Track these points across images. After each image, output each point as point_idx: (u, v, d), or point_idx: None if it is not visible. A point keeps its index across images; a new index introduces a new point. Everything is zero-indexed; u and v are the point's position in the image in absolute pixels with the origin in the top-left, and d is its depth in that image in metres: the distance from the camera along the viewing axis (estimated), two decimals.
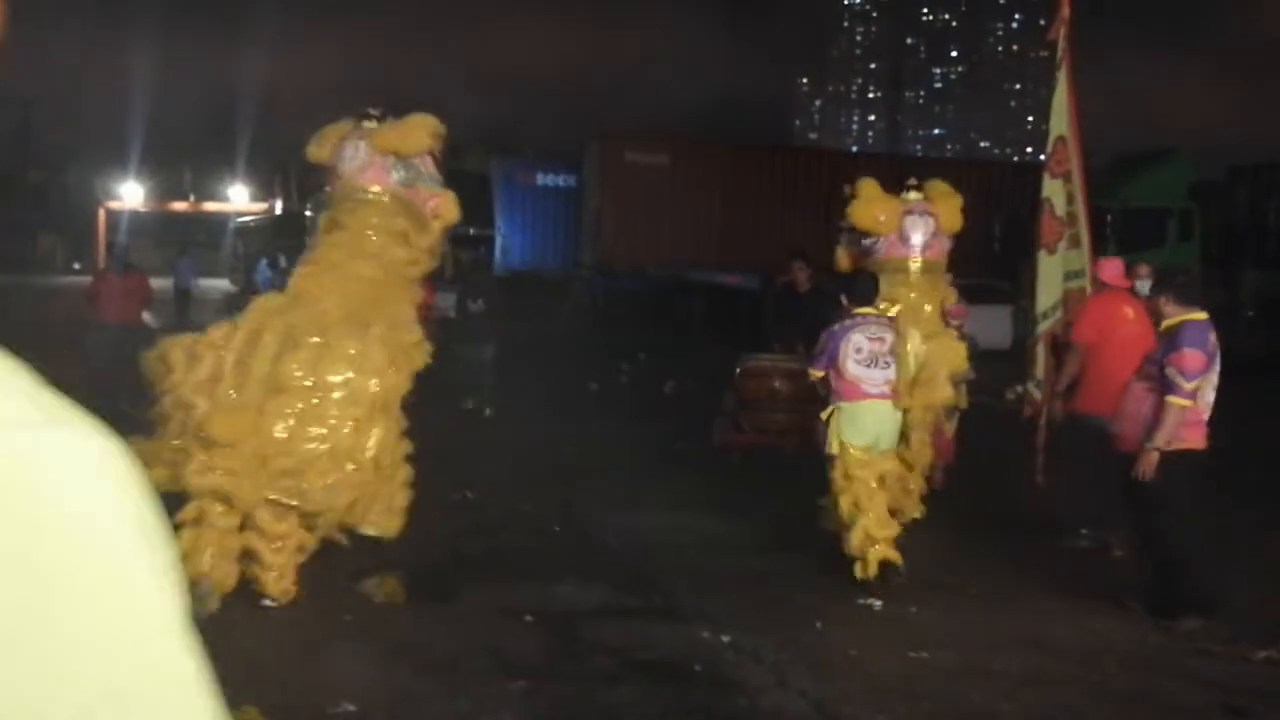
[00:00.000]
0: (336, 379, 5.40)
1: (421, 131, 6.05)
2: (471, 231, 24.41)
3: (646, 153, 22.68)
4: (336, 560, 5.82)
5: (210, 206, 52.97)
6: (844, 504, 6.19)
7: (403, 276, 6.01)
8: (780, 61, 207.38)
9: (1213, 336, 5.61)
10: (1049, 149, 9.01)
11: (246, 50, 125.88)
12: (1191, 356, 5.49)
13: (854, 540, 6.09)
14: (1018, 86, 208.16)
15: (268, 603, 5.31)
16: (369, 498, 5.54)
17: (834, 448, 6.32)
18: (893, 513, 6.36)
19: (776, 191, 23.14)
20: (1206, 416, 5.65)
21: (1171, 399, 5.51)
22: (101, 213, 44.59)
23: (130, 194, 47.02)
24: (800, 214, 23.21)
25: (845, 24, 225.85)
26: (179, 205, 51.83)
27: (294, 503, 5.30)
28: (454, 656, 5.03)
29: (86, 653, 0.58)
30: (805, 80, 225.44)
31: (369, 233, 5.85)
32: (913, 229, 7.25)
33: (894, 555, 6.04)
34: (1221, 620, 5.55)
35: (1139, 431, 5.63)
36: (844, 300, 6.60)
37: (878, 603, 5.72)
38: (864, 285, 6.77)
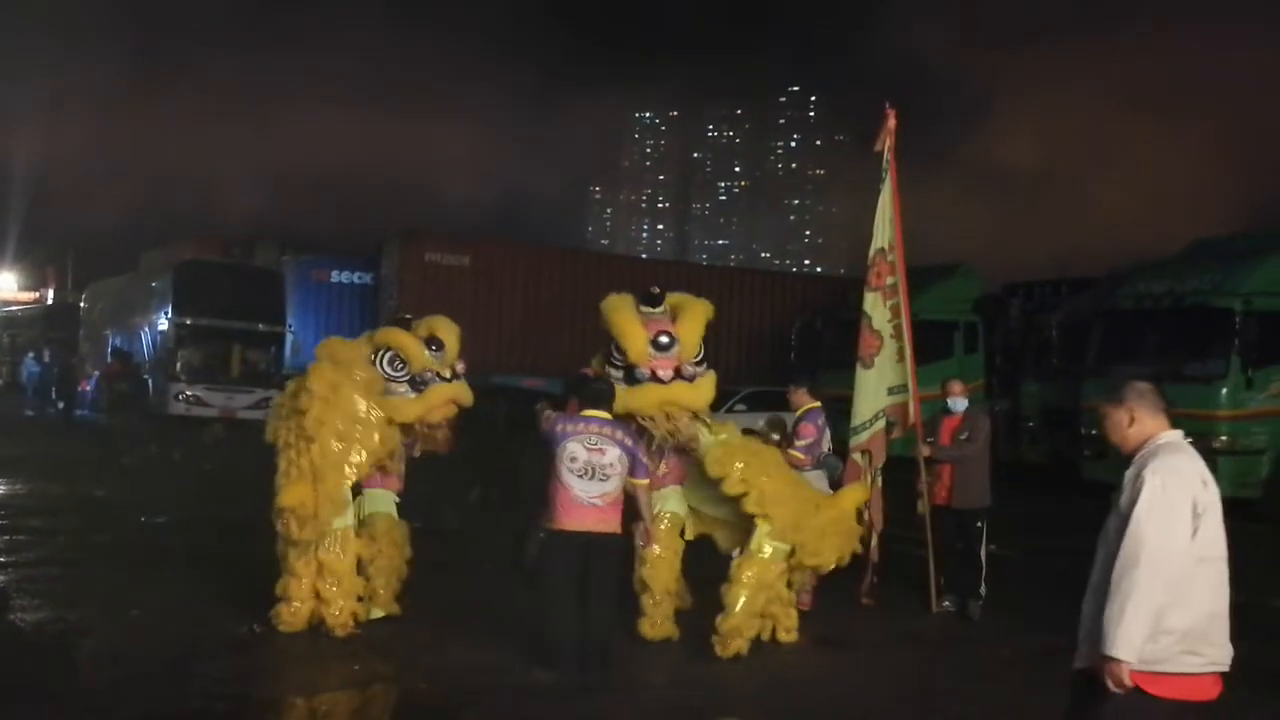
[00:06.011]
0: None
1: None
2: (260, 328, 23.09)
3: (447, 253, 22.12)
4: None
5: None
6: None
7: None
8: (574, 170, 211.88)
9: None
10: (869, 260, 8.91)
11: (20, 134, 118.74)
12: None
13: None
14: (796, 201, 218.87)
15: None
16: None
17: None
18: None
19: (578, 294, 22.90)
20: (599, 503, 6.21)
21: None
22: None
23: None
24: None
25: (636, 136, 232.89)
26: None
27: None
28: None
29: None
30: (598, 188, 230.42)
31: None
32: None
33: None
34: None
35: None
36: None
37: None
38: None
